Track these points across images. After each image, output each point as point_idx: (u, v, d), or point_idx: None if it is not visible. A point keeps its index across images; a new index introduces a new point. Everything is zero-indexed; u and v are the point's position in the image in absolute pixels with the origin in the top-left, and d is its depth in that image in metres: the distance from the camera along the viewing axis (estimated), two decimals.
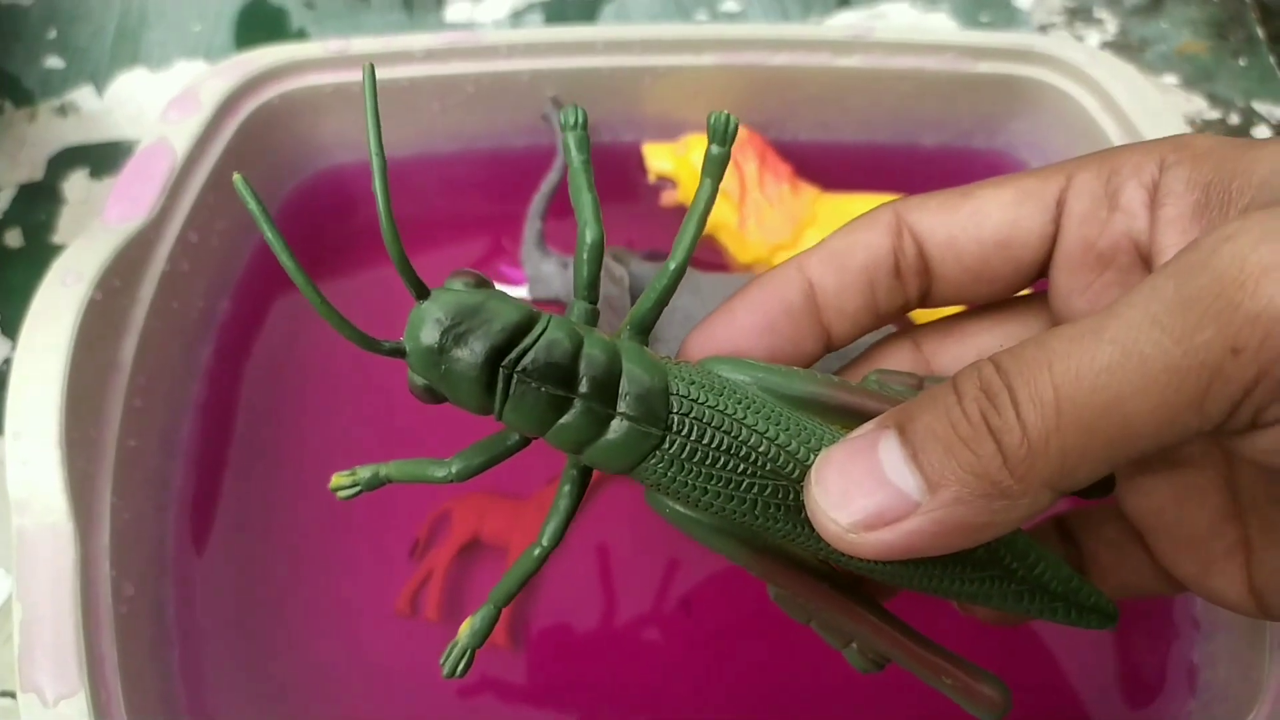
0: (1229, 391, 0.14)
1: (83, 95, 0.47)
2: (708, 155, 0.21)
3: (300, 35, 0.49)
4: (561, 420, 0.19)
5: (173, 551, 0.33)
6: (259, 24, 0.49)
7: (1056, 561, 0.21)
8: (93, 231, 0.31)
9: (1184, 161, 0.19)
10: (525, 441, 0.21)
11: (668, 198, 0.39)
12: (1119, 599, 0.23)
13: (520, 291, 0.37)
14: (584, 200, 0.22)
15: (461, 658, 0.20)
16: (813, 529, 0.18)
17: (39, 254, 0.42)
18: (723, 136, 0.20)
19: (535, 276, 0.36)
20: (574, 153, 0.22)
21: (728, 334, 0.21)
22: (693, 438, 0.19)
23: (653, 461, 0.19)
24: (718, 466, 0.19)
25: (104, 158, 0.45)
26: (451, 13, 0.50)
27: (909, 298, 0.22)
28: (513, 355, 0.18)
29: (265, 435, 0.36)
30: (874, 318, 0.22)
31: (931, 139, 0.41)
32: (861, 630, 0.21)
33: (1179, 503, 0.21)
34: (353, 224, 0.40)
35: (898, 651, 0.21)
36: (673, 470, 0.19)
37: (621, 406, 0.19)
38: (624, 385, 0.19)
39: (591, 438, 0.19)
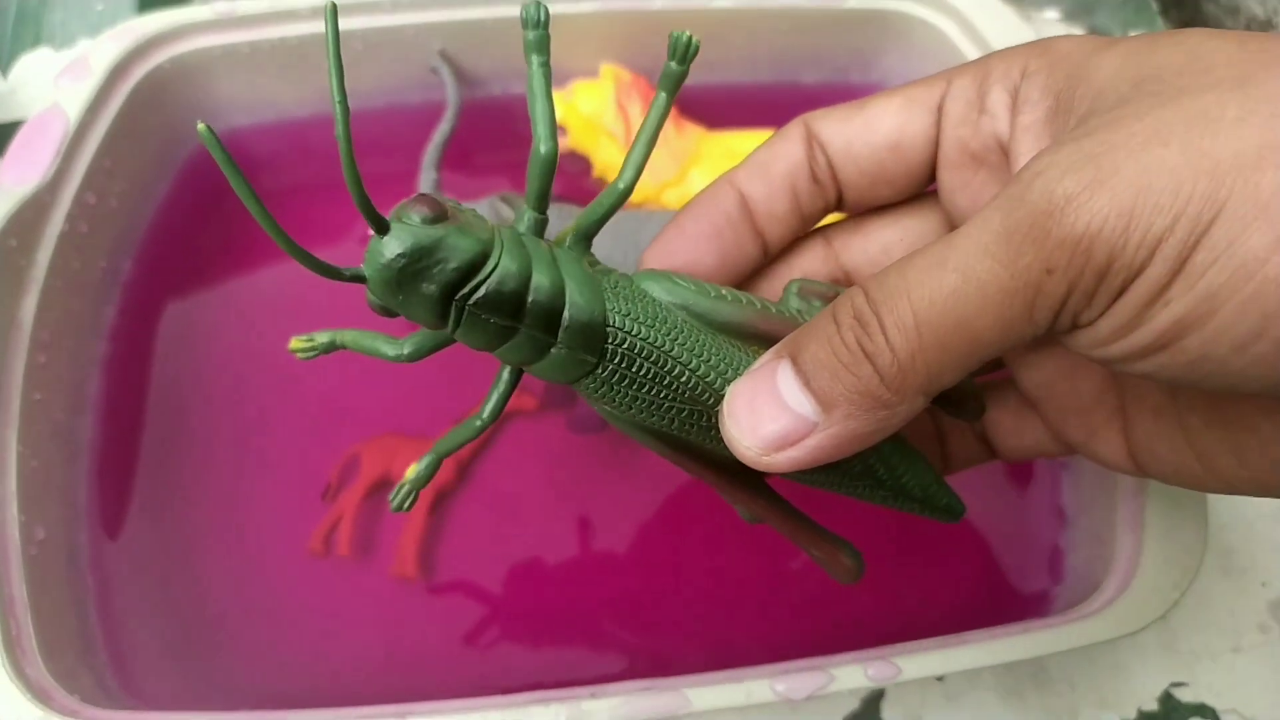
0: (1049, 304, 0.17)
1: None
2: (665, 70, 0.22)
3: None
4: (507, 344, 0.20)
5: (84, 498, 0.34)
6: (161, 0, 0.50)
7: (919, 468, 0.24)
8: None
9: (1042, 69, 0.20)
10: None
11: (560, 144, 0.40)
12: (1022, 460, 0.25)
13: None
14: (539, 110, 0.22)
15: (408, 496, 0.22)
16: (720, 441, 0.20)
17: None
18: (682, 55, 0.21)
19: None
20: (533, 56, 0.22)
21: (680, 245, 0.24)
22: (623, 366, 0.21)
23: (586, 380, 0.21)
24: (644, 391, 0.21)
25: (9, 137, 0.45)
26: None
27: (828, 201, 0.24)
28: (465, 290, 0.19)
29: (176, 389, 0.37)
30: (800, 220, 0.24)
31: (811, 76, 0.42)
32: (755, 506, 0.24)
33: (1065, 376, 0.23)
34: (254, 183, 0.41)
35: (779, 523, 0.24)
36: (604, 390, 0.21)
37: (562, 337, 0.20)
38: (565, 316, 0.20)
39: (533, 359, 0.21)
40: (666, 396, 0.21)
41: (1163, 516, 0.30)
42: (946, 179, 0.23)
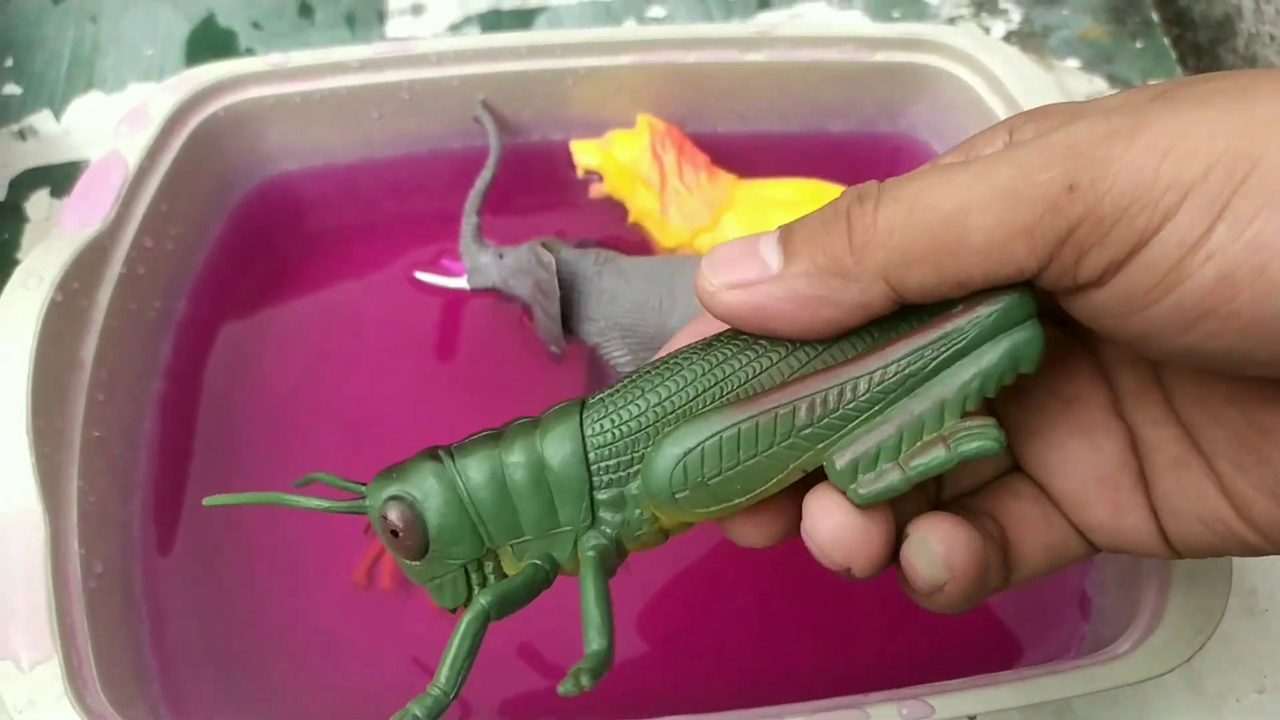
0: (1058, 224, 0.16)
1: (41, 119, 0.49)
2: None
3: (249, 55, 0.51)
4: None
5: (139, 533, 0.35)
6: (209, 46, 0.52)
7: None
8: (52, 238, 0.34)
9: (1030, 120, 0.20)
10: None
11: (595, 190, 0.42)
12: (1038, 578, 0.23)
13: (461, 282, 0.39)
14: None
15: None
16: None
17: (5, 270, 0.44)
18: None
19: (473, 268, 0.39)
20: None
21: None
22: None
23: None
24: None
25: (64, 177, 0.47)
26: (392, 28, 0.52)
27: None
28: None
29: (226, 425, 0.38)
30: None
31: (839, 126, 0.44)
32: None
33: (1081, 437, 0.22)
34: (301, 226, 0.42)
35: None
36: None
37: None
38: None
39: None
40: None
41: (1189, 560, 0.31)
42: None
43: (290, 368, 0.40)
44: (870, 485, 0.20)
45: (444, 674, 0.21)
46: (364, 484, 0.23)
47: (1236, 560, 0.36)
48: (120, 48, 0.51)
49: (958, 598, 0.20)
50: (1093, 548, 0.22)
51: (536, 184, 0.43)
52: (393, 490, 0.22)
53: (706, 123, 0.43)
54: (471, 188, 0.40)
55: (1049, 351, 0.21)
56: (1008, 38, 0.53)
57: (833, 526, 0.20)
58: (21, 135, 0.48)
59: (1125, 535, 0.22)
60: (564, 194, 0.42)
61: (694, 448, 0.20)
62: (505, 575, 0.23)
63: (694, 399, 0.21)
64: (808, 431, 0.20)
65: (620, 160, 0.41)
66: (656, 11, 0.53)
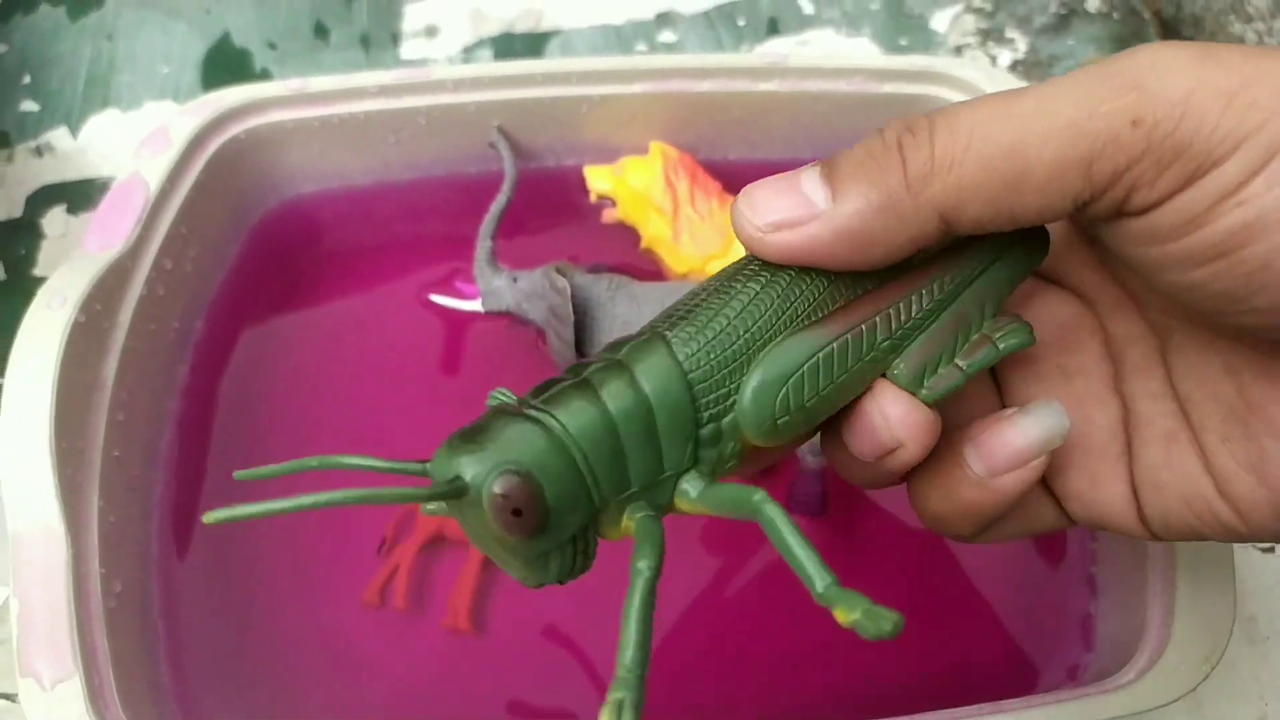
0: (1117, 158, 0.17)
1: (58, 136, 0.50)
2: None
3: (264, 75, 0.52)
4: None
5: (157, 552, 0.35)
6: (224, 65, 0.52)
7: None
8: (75, 259, 0.34)
9: None
10: None
11: (608, 215, 0.42)
12: (1011, 537, 0.24)
13: (475, 305, 0.40)
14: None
15: None
16: None
17: (21, 286, 0.45)
18: None
19: (488, 291, 0.39)
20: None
21: None
22: None
23: None
24: None
25: (80, 194, 0.48)
26: (407, 50, 0.53)
27: None
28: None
29: (240, 445, 0.39)
30: None
31: None
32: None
33: (1076, 408, 0.23)
34: (317, 248, 0.43)
35: None
36: None
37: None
38: None
39: None
40: None
41: (1192, 588, 0.31)
42: None
43: (305, 388, 0.40)
44: (936, 386, 0.21)
45: (629, 654, 0.18)
46: (417, 461, 0.20)
47: (1239, 587, 0.37)
48: (136, 66, 0.52)
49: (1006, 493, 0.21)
50: (1068, 519, 0.23)
51: (550, 209, 0.43)
52: (499, 461, 0.18)
53: (719, 150, 0.44)
54: (486, 212, 0.40)
55: (1061, 327, 0.23)
56: (1014, 67, 0.54)
57: (901, 413, 0.20)
58: (38, 152, 0.49)
59: (1100, 507, 0.22)
60: (577, 219, 0.43)
61: (795, 371, 0.20)
62: (600, 536, 0.21)
63: (773, 323, 0.20)
64: (885, 344, 0.21)
65: (633, 186, 0.41)
66: (667, 36, 0.54)
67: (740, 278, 0.21)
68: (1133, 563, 0.33)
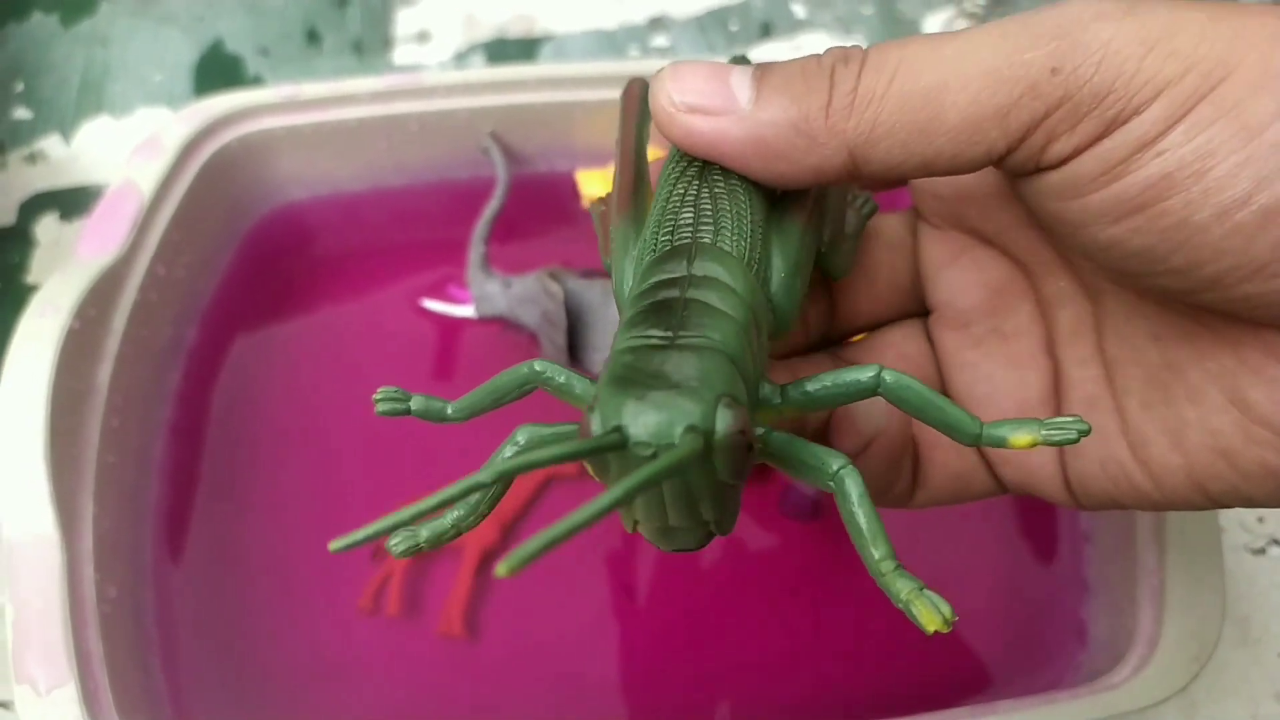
0: (1034, 107, 0.16)
1: (50, 143, 0.50)
2: None
3: (256, 81, 0.52)
4: None
5: (150, 558, 0.35)
6: (216, 71, 0.52)
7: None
8: (68, 267, 0.34)
9: None
10: None
11: None
12: (940, 502, 0.24)
13: (467, 310, 0.40)
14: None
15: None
16: None
17: (14, 293, 0.45)
18: None
19: (480, 296, 0.39)
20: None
21: None
22: None
23: None
24: None
25: (73, 201, 0.48)
26: (399, 55, 0.53)
27: None
28: None
29: (233, 451, 0.39)
30: None
31: None
32: None
33: (1010, 368, 0.23)
34: (310, 254, 0.43)
35: None
36: None
37: None
38: None
39: None
40: None
41: (1182, 588, 0.31)
42: None
43: (297, 394, 0.40)
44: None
45: (885, 547, 0.17)
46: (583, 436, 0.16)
47: (1230, 588, 0.37)
48: (129, 73, 0.52)
49: (879, 461, 0.21)
50: (1000, 486, 0.23)
51: (543, 213, 0.43)
52: (717, 394, 0.16)
53: None
54: (479, 217, 0.40)
55: (993, 289, 0.23)
56: None
57: None
58: (31, 159, 0.49)
59: (1031, 472, 0.22)
60: (570, 224, 0.43)
61: (796, 258, 0.20)
62: None
63: (762, 218, 0.20)
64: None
65: None
66: (660, 41, 0.54)
67: (711, 180, 0.20)
68: (1124, 563, 0.33)
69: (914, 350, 0.25)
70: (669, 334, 0.17)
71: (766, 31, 0.54)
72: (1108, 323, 0.22)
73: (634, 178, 0.22)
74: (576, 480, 0.39)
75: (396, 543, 0.19)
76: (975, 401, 0.23)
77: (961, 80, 0.17)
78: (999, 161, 0.18)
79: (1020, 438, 0.17)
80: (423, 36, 0.53)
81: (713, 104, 0.18)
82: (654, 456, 0.15)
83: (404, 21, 0.54)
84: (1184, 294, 0.18)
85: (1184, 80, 0.16)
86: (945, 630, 0.16)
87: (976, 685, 0.35)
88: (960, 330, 0.24)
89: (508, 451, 0.19)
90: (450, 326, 0.42)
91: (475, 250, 0.40)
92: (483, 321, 0.40)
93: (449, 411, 0.21)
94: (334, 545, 0.15)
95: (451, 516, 0.19)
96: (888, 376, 0.18)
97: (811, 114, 0.18)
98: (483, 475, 0.15)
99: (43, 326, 0.32)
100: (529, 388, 0.20)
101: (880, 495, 0.22)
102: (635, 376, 0.16)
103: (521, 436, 0.19)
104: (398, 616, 0.36)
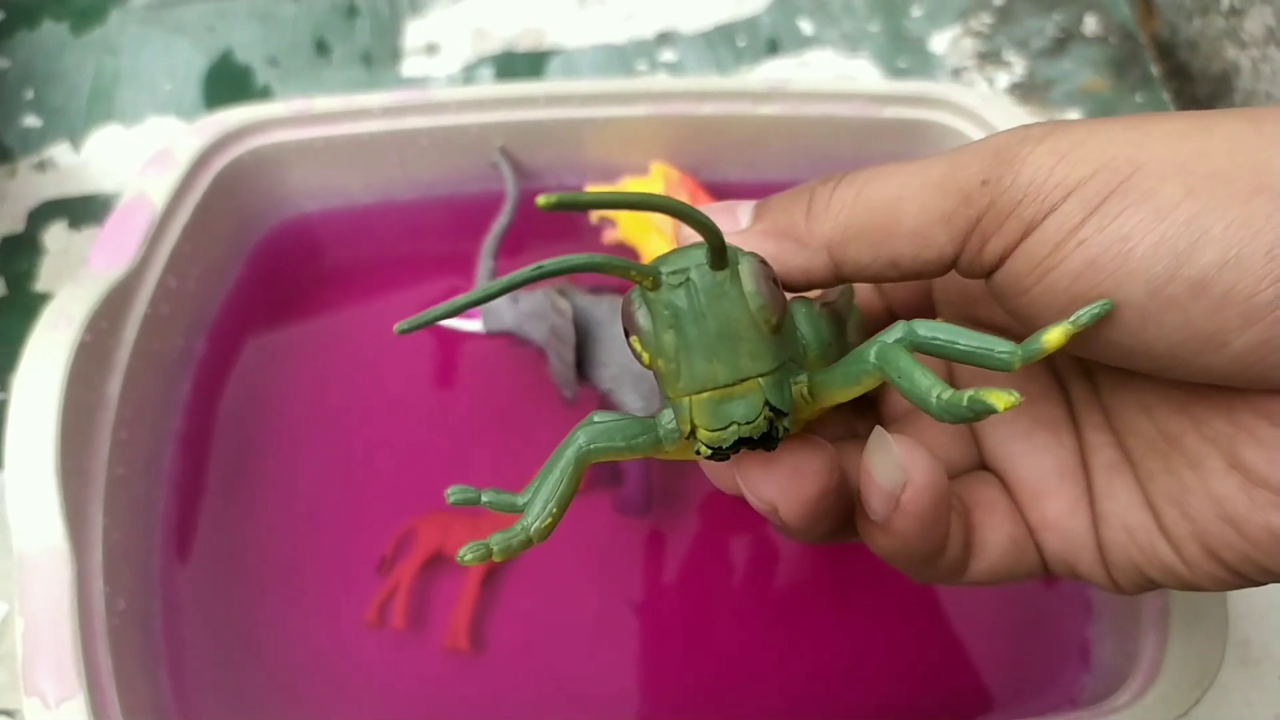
0: (968, 214, 0.19)
1: (60, 151, 0.50)
2: None
3: (265, 91, 0.52)
4: None
5: (159, 569, 0.35)
6: (226, 82, 0.52)
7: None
8: (80, 279, 0.34)
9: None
10: None
11: (608, 235, 0.43)
12: (996, 576, 0.23)
13: (475, 325, 0.40)
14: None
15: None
16: None
17: (23, 302, 0.45)
18: None
19: (489, 311, 0.39)
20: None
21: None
22: None
23: None
24: None
25: (82, 210, 0.48)
26: (407, 67, 0.53)
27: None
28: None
29: (240, 463, 0.39)
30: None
31: None
32: None
33: (1047, 429, 0.23)
34: (319, 267, 0.43)
35: None
36: None
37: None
38: None
39: None
40: None
41: (1186, 612, 0.31)
42: None
43: (306, 405, 0.41)
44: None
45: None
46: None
47: (1231, 610, 0.37)
48: (139, 82, 0.52)
49: (914, 520, 0.20)
50: (1044, 565, 0.23)
51: (551, 229, 0.43)
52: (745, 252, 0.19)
53: (719, 171, 0.44)
54: (488, 231, 0.40)
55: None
56: (1011, 89, 0.54)
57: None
58: (41, 167, 0.49)
59: (1076, 538, 0.22)
60: (578, 239, 0.43)
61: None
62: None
63: None
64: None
65: None
66: (668, 56, 0.54)
67: None
68: None
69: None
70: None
71: (773, 48, 0.55)
72: (1105, 393, 0.23)
73: None
74: (584, 493, 0.39)
75: (467, 554, 0.19)
76: (1012, 460, 0.23)
77: (913, 191, 0.20)
78: (952, 264, 0.20)
79: (1052, 335, 0.18)
80: (431, 49, 0.54)
81: (721, 226, 0.20)
82: (685, 284, 0.18)
83: (413, 34, 0.54)
84: (1156, 372, 0.19)
85: (1094, 179, 0.18)
86: (1017, 404, 0.17)
87: (979, 706, 0.36)
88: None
89: (569, 452, 0.20)
90: (458, 341, 0.42)
91: (484, 265, 0.40)
92: (490, 337, 0.40)
93: (519, 503, 0.20)
94: (399, 326, 0.17)
95: (520, 524, 0.20)
96: (920, 329, 0.19)
97: (795, 220, 0.21)
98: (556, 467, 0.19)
99: (54, 339, 0.32)
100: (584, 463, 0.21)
101: (927, 563, 0.22)
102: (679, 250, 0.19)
103: (582, 436, 0.20)
104: (403, 629, 0.37)
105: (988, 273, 0.20)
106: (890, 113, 0.41)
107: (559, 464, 0.20)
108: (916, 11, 0.56)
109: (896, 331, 0.19)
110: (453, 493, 0.20)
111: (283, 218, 0.43)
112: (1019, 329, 0.22)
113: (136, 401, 0.35)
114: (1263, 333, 0.17)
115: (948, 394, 0.18)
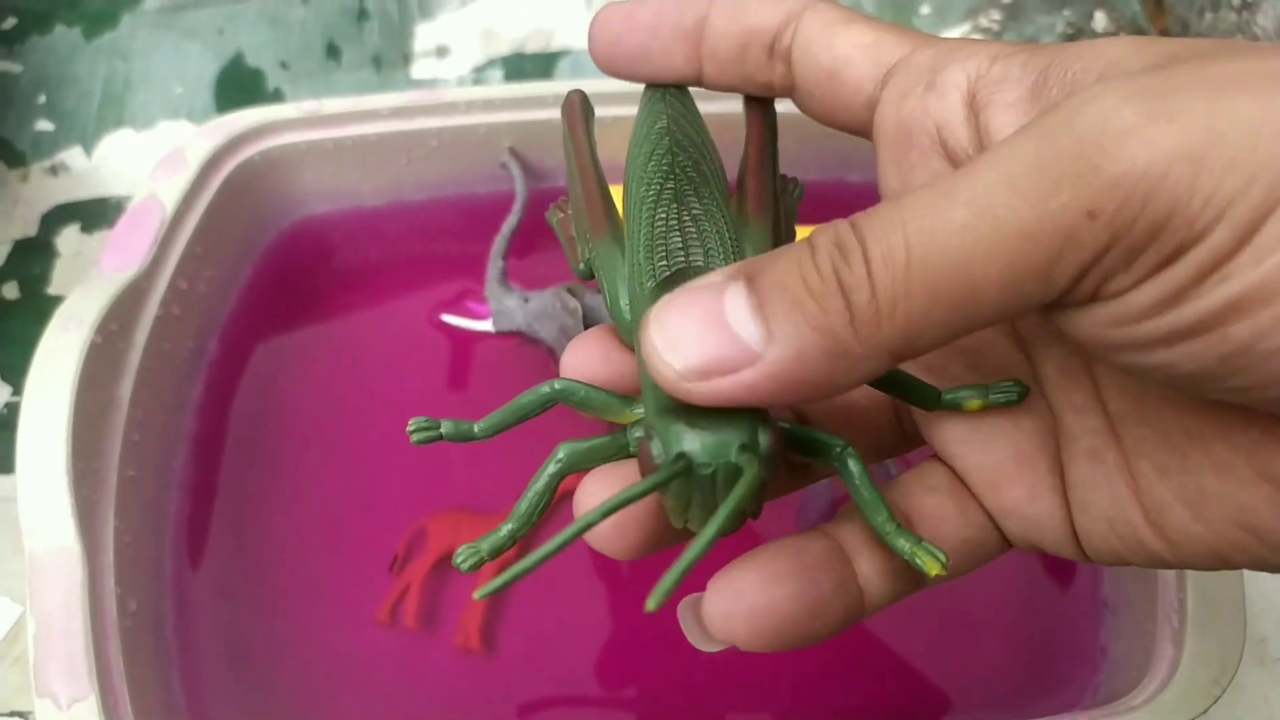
0: (1080, 258, 0.14)
1: (72, 155, 0.50)
2: None
3: (276, 94, 0.52)
4: None
5: (170, 570, 0.35)
6: (237, 85, 0.53)
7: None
8: (90, 281, 0.34)
9: (1019, 53, 0.18)
10: None
11: None
12: (956, 577, 0.21)
13: (486, 325, 0.40)
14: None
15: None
16: None
17: (35, 304, 0.45)
18: None
19: (499, 310, 0.39)
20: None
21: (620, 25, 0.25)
22: None
23: None
24: None
25: (94, 213, 0.48)
26: (417, 69, 0.53)
27: (772, 80, 0.23)
28: None
29: (252, 464, 0.39)
30: (739, 79, 0.23)
31: (857, 176, 0.44)
32: None
33: (1004, 413, 0.20)
34: (330, 268, 0.43)
35: None
36: None
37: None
38: None
39: None
40: None
41: (1202, 610, 0.31)
42: (879, 149, 0.21)
43: (316, 407, 0.41)
44: None
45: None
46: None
47: (1249, 608, 0.37)
48: (150, 86, 0.53)
49: (766, 648, 0.20)
50: (1006, 542, 0.21)
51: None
52: (750, 417, 0.18)
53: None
54: (498, 232, 0.40)
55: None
56: None
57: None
58: (53, 171, 0.49)
59: (1039, 523, 0.20)
60: None
61: None
62: None
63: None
64: None
65: None
66: None
67: (688, 203, 0.22)
68: (1143, 585, 0.33)
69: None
70: None
71: None
72: (1104, 372, 0.19)
73: (601, 196, 0.24)
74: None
75: (464, 563, 0.20)
76: (969, 449, 0.21)
77: (987, 250, 0.14)
78: (1048, 308, 0.16)
79: (972, 402, 0.20)
80: (441, 51, 0.54)
81: (723, 358, 0.16)
82: (713, 474, 0.17)
83: (423, 36, 0.54)
84: (1227, 397, 0.16)
85: (1249, 193, 0.13)
86: (943, 573, 0.18)
87: (993, 705, 0.35)
88: (936, 375, 0.21)
89: (551, 468, 0.20)
90: (468, 341, 0.42)
91: (494, 265, 0.40)
92: (500, 336, 0.40)
93: (475, 430, 0.22)
94: (478, 594, 0.16)
95: (506, 528, 0.21)
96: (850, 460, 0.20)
97: (839, 333, 0.15)
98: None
99: (66, 341, 0.32)
100: (550, 404, 0.22)
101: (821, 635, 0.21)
102: (680, 405, 0.17)
103: (562, 453, 0.21)
104: (415, 629, 0.36)
105: (1085, 304, 0.15)
106: None
107: (541, 479, 0.21)
108: (925, 9, 0.56)
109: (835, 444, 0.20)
110: (414, 431, 0.21)
111: (293, 219, 0.43)
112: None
113: (148, 403, 0.35)
114: None
115: (893, 531, 0.19)
